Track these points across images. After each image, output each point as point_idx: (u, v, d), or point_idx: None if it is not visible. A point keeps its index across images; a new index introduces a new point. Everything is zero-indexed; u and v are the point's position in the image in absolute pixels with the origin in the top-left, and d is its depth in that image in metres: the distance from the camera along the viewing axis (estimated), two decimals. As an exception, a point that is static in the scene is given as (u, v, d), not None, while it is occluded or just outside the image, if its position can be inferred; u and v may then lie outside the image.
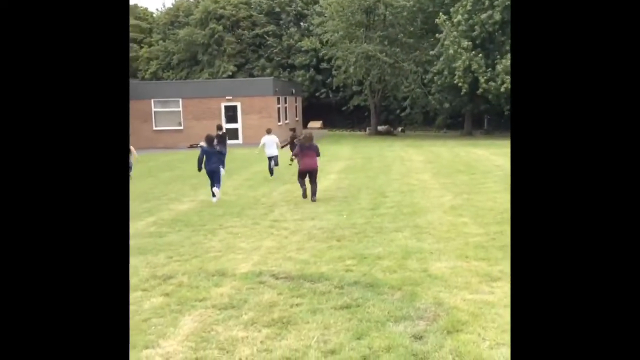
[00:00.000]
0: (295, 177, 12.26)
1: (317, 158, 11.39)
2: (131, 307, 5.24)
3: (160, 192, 13.49)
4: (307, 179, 11.42)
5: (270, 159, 15.65)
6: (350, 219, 9.25)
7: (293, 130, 16.98)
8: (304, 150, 11.45)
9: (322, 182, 14.14)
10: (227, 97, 29.31)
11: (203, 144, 12.20)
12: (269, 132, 16.37)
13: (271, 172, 15.55)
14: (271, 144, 15.68)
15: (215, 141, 12.99)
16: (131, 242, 8.11)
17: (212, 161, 11.86)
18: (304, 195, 11.39)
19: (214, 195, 11.74)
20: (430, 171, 15.49)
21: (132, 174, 15.58)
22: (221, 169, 12.76)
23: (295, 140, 14.71)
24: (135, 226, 9.40)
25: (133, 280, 6.09)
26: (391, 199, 11.04)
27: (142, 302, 5.38)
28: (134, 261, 7.01)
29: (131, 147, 15.31)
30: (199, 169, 11.99)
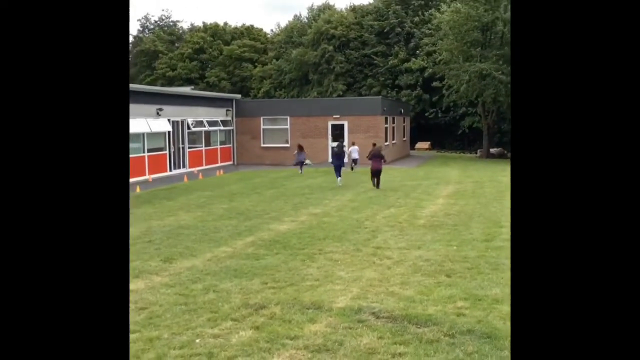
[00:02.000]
0: (400, 200, 14.59)
1: (383, 162, 17.38)
2: (218, 340, 4.83)
3: (262, 210, 13.32)
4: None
5: (354, 160, 24.23)
6: (461, 250, 8.39)
7: (374, 144, 20.00)
8: (373, 158, 17.20)
9: (429, 207, 13.32)
10: (334, 116, 29.18)
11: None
12: (353, 143, 25.74)
13: (352, 167, 23.46)
14: (354, 151, 24.57)
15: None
16: (227, 263, 7.84)
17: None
18: (374, 185, 17.33)
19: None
20: (550, 200, 14.11)
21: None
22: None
23: (372, 150, 18.19)
24: (234, 245, 9.17)
25: (224, 308, 5.71)
26: (507, 230, 9.98)
27: (230, 335, 4.95)
28: (228, 284, 6.67)
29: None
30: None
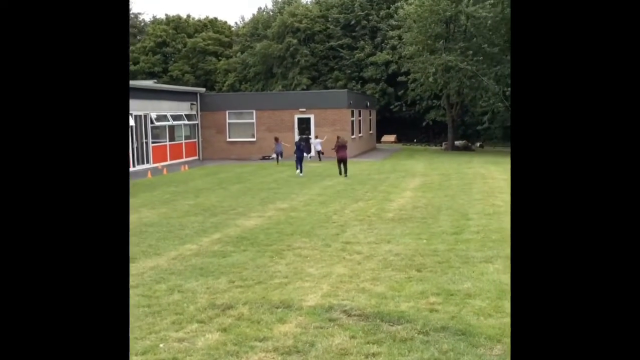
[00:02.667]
0: (368, 194, 14.56)
1: (347, 152, 19.49)
2: (183, 345, 4.60)
3: (229, 205, 13.05)
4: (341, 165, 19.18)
5: (318, 152, 25.53)
6: (431, 244, 8.33)
7: (338, 137, 21.12)
8: (339, 148, 19.27)
9: (397, 200, 13.27)
10: (300, 109, 28.97)
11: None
12: (316, 137, 27.24)
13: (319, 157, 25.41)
14: (317, 144, 26.10)
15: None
16: (193, 261, 7.59)
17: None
18: (340, 174, 19.21)
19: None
20: (515, 191, 14.20)
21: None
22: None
23: (338, 141, 20.04)
24: (200, 242, 8.91)
25: (190, 309, 5.48)
26: (475, 222, 10.00)
27: (196, 339, 4.73)
28: (194, 284, 6.44)
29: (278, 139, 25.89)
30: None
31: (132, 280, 6.67)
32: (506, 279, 6.24)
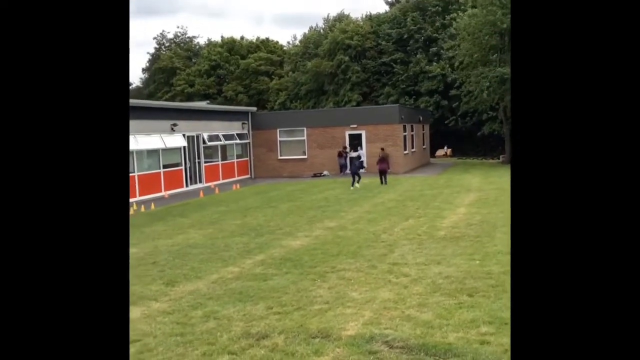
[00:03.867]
0: (420, 210, 14.17)
1: (387, 164, 21.67)
2: (210, 379, 4.32)
3: (276, 225, 12.84)
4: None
5: (361, 162, 24.89)
6: (484, 265, 7.78)
7: (382, 149, 23.49)
8: (380, 161, 21.62)
9: (450, 217, 12.70)
10: (351, 126, 28.68)
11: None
12: (360, 147, 28.04)
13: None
14: (362, 155, 26.40)
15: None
16: (233, 285, 7.36)
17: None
18: (381, 183, 21.32)
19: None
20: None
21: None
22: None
23: (380, 154, 22.41)
24: (242, 265, 8.68)
25: (223, 338, 5.21)
26: (534, 241, 9.32)
27: (224, 372, 4.44)
28: (231, 310, 6.18)
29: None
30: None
31: (169, 306, 6.49)
32: (568, 305, 5.66)
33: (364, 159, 26.49)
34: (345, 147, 28.50)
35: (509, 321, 5.23)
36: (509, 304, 5.73)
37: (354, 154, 26.88)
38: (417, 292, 6.54)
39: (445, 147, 42.47)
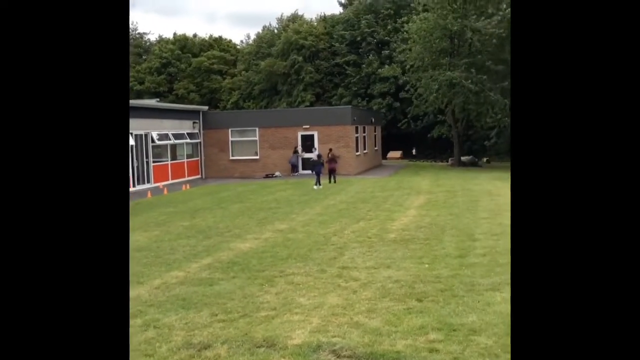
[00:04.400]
0: (371, 213, 14.11)
1: (337, 165, 23.25)
2: (145, 395, 4.06)
3: (225, 227, 12.54)
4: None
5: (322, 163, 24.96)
6: (433, 268, 7.75)
7: (330, 149, 24.55)
8: (330, 161, 22.92)
9: (400, 219, 12.71)
10: (304, 126, 28.54)
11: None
12: (315, 149, 27.25)
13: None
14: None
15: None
16: (177, 291, 7.06)
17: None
18: (329, 182, 22.26)
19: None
20: (524, 209, 13.54)
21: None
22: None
23: (329, 155, 23.53)
24: (188, 269, 8.38)
25: (162, 350, 4.94)
26: (482, 244, 9.41)
27: (162, 386, 4.18)
28: (172, 318, 5.90)
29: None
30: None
31: (107, 314, 6.15)
32: (515, 310, 5.65)
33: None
34: (296, 147, 28.44)
35: (457, 327, 5.18)
36: (457, 309, 5.70)
37: (312, 155, 26.74)
38: (366, 297, 6.43)
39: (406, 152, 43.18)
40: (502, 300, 6.00)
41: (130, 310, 6.21)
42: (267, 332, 5.29)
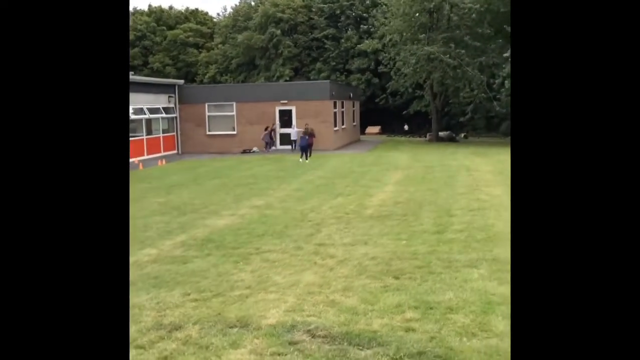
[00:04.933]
0: (349, 188, 14.00)
1: (313, 139, 22.73)
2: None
3: (201, 203, 12.32)
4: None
5: (293, 141, 26.26)
6: (411, 245, 7.68)
7: (306, 124, 24.35)
8: (307, 136, 22.08)
9: (378, 195, 12.63)
10: (282, 101, 28.19)
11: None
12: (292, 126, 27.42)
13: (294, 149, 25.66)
14: (295, 133, 26.15)
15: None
16: (148, 269, 6.88)
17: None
18: (301, 158, 21.71)
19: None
20: (501, 184, 13.59)
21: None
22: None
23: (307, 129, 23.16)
24: (162, 246, 8.19)
25: (132, 330, 4.77)
26: (459, 220, 9.37)
27: (129, 370, 4.03)
28: (143, 298, 5.73)
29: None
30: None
31: (75, 294, 5.95)
32: (492, 287, 5.60)
33: (295, 136, 26.21)
34: (273, 124, 28.18)
35: (434, 305, 5.11)
36: (434, 287, 5.63)
37: (290, 130, 26.79)
38: (342, 275, 6.33)
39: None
40: (479, 277, 5.95)
41: (100, 290, 6.02)
42: (241, 312, 5.15)
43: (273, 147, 27.95)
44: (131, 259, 7.45)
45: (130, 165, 22.15)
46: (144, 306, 5.45)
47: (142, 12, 53.96)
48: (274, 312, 5.12)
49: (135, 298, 5.72)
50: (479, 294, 5.38)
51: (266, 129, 27.75)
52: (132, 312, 5.32)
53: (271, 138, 27.99)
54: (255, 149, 28.06)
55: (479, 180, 14.59)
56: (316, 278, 6.26)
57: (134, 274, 6.72)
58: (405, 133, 41.79)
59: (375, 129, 42.76)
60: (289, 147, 27.07)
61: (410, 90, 36.07)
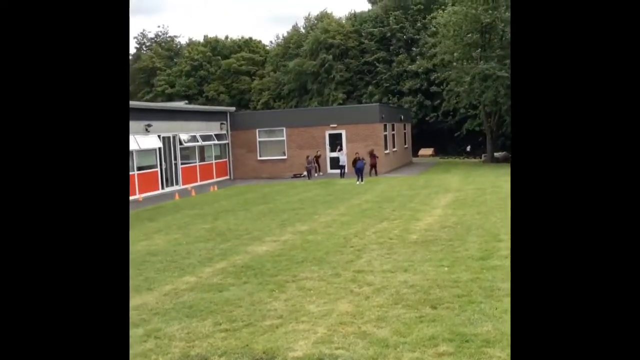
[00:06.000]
0: (395, 212, 13.81)
1: (376, 159, 25.48)
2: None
3: (245, 229, 12.36)
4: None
5: (342, 167, 25.70)
6: (453, 272, 7.38)
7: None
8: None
9: (425, 219, 12.31)
10: (331, 125, 28.26)
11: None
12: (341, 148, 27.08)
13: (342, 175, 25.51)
14: (343, 159, 25.76)
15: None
16: (185, 298, 6.88)
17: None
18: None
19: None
20: (556, 206, 12.95)
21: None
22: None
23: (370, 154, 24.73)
24: (201, 274, 8.21)
25: (157, 361, 4.73)
26: (506, 245, 8.95)
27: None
28: (174, 327, 5.71)
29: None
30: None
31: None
32: (535, 318, 5.25)
33: (345, 158, 25.92)
34: (317, 152, 27.91)
35: (470, 338, 4.83)
36: (472, 317, 5.34)
37: (341, 155, 26.05)
38: (377, 304, 6.11)
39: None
40: (522, 307, 5.59)
41: (134, 319, 6.06)
42: (269, 343, 5.03)
43: (317, 174, 27.42)
44: (169, 287, 7.50)
45: (182, 192, 22.66)
46: (175, 336, 5.42)
47: (197, 43, 55.76)
48: (302, 344, 4.97)
49: (168, 328, 5.71)
50: (520, 326, 5.04)
51: (307, 157, 26.92)
52: (162, 342, 5.30)
53: (314, 165, 27.15)
54: (305, 173, 28.17)
55: (532, 202, 14.00)
56: (350, 307, 6.08)
57: (169, 302, 6.74)
58: (461, 154, 40.89)
59: (429, 150, 42.17)
60: (338, 171, 26.83)
61: (463, 110, 35.49)
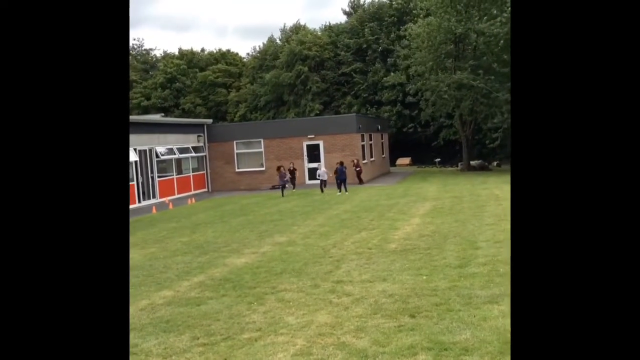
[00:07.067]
0: (374, 222, 13.78)
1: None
2: None
3: (224, 241, 12.27)
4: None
5: (323, 181, 23.97)
6: (431, 280, 7.41)
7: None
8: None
9: (403, 228, 12.36)
10: (309, 136, 28.30)
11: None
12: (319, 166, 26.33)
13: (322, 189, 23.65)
14: (323, 174, 24.16)
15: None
16: (162, 312, 6.78)
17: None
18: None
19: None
20: (532, 213, 13.13)
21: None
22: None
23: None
24: (178, 288, 8.11)
25: (133, 378, 4.65)
26: (484, 252, 9.04)
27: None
28: (151, 343, 5.62)
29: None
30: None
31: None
32: (512, 325, 5.29)
33: (325, 176, 24.23)
34: (291, 163, 26.66)
35: (449, 346, 4.85)
36: (451, 326, 5.36)
37: (320, 170, 24.44)
38: (356, 314, 6.10)
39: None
40: (499, 314, 5.64)
41: (110, 335, 5.93)
42: (248, 357, 4.98)
43: (291, 189, 25.26)
44: (145, 302, 7.39)
45: (160, 205, 22.42)
46: (151, 352, 5.34)
47: (172, 56, 55.49)
48: (281, 357, 4.94)
49: (145, 343, 5.62)
50: (497, 332, 5.08)
51: (278, 169, 24.29)
52: (139, 358, 5.21)
53: (288, 178, 24.54)
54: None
55: (507, 210, 14.16)
56: (329, 318, 6.06)
57: (146, 317, 6.64)
58: (437, 164, 41.14)
59: (406, 160, 42.46)
60: (317, 182, 26.51)
61: (440, 119, 35.85)
